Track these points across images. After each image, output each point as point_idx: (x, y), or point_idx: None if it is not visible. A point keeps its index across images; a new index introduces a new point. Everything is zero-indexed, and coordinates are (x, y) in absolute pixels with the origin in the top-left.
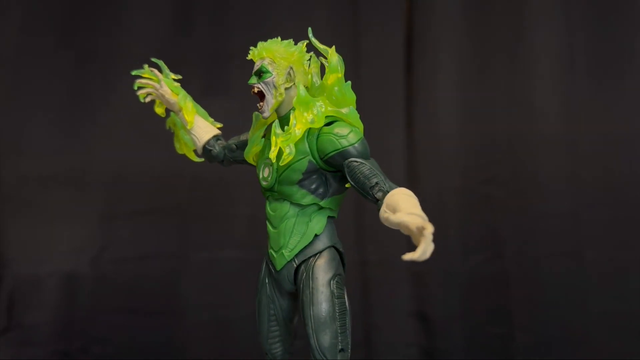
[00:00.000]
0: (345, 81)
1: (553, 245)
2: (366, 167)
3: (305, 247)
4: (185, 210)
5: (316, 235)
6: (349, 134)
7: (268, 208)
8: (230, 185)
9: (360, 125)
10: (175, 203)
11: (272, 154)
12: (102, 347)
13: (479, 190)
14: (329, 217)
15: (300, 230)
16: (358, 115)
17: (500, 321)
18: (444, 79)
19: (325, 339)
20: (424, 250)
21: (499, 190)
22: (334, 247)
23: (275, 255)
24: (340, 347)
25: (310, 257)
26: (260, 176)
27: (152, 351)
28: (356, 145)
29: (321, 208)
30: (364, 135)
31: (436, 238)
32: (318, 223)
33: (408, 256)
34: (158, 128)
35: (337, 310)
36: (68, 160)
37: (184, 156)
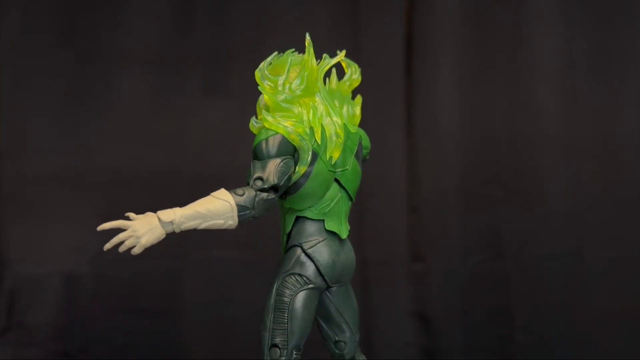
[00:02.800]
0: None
1: (553, 244)
2: (251, 167)
3: (285, 245)
4: None
5: (287, 234)
6: (256, 137)
7: None
8: (230, 185)
9: (279, 128)
10: (175, 203)
11: None
12: (102, 347)
13: (479, 190)
14: (298, 216)
15: (284, 229)
16: (281, 118)
17: (500, 321)
18: (444, 78)
19: (261, 328)
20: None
21: (499, 190)
22: (299, 246)
23: None
24: (272, 343)
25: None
26: None
27: (152, 351)
28: (256, 147)
29: (290, 208)
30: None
31: (436, 237)
32: (289, 223)
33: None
34: (158, 128)
35: (274, 305)
36: (68, 160)
37: (183, 156)
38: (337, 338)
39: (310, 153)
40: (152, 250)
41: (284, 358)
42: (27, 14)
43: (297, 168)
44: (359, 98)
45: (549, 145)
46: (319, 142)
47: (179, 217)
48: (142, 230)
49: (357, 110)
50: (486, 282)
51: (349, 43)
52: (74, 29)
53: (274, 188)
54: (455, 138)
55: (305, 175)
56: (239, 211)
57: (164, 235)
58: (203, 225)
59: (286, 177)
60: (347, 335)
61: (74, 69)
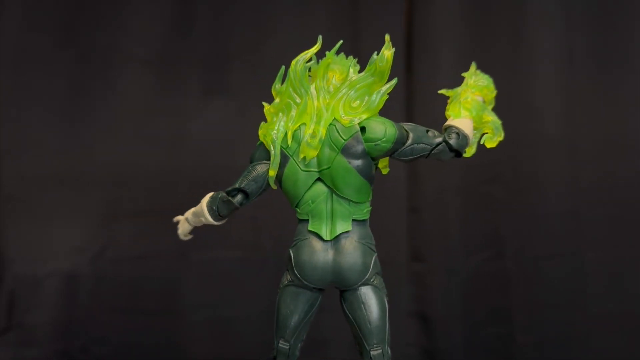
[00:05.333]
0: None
1: (553, 245)
2: None
3: None
4: (185, 210)
5: None
6: None
7: None
8: (230, 185)
9: (259, 136)
10: (175, 203)
11: None
12: (102, 347)
13: (479, 190)
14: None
15: None
16: (265, 127)
17: (500, 321)
18: (444, 78)
19: None
20: None
21: (499, 190)
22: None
23: None
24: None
25: None
26: None
27: (152, 351)
28: None
29: None
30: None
31: (436, 237)
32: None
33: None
34: (158, 128)
35: None
36: (68, 160)
37: (183, 156)
38: (358, 347)
39: (275, 156)
40: (152, 251)
41: (274, 345)
42: (27, 13)
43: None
44: (381, 89)
45: (549, 145)
46: (289, 145)
47: (189, 214)
48: (180, 223)
49: (360, 102)
50: (486, 282)
51: (349, 43)
52: (74, 29)
53: (240, 191)
54: None
55: (279, 177)
56: (207, 210)
57: (189, 227)
58: (201, 222)
59: (248, 180)
60: (363, 347)
61: (74, 68)
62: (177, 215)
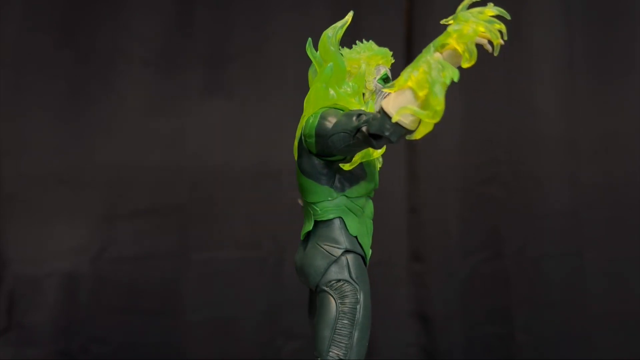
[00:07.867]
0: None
1: (553, 245)
2: None
3: None
4: (185, 210)
5: None
6: None
7: (366, 206)
8: (230, 185)
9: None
10: (175, 203)
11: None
12: (102, 347)
13: (479, 190)
14: None
15: None
16: None
17: (500, 321)
18: None
19: None
20: None
21: (499, 190)
22: None
23: (369, 252)
24: None
25: None
26: (376, 175)
27: (152, 351)
28: None
29: None
30: None
31: (436, 238)
32: None
33: None
34: (158, 127)
35: None
36: (68, 160)
37: (183, 155)
38: None
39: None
40: (152, 251)
41: None
42: (27, 14)
43: None
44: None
45: (549, 145)
46: None
47: None
48: None
49: (310, 94)
50: (486, 282)
51: (349, 43)
52: (74, 29)
53: None
54: (455, 138)
55: None
56: None
57: None
58: None
59: None
60: None
61: (74, 68)
62: (177, 214)
